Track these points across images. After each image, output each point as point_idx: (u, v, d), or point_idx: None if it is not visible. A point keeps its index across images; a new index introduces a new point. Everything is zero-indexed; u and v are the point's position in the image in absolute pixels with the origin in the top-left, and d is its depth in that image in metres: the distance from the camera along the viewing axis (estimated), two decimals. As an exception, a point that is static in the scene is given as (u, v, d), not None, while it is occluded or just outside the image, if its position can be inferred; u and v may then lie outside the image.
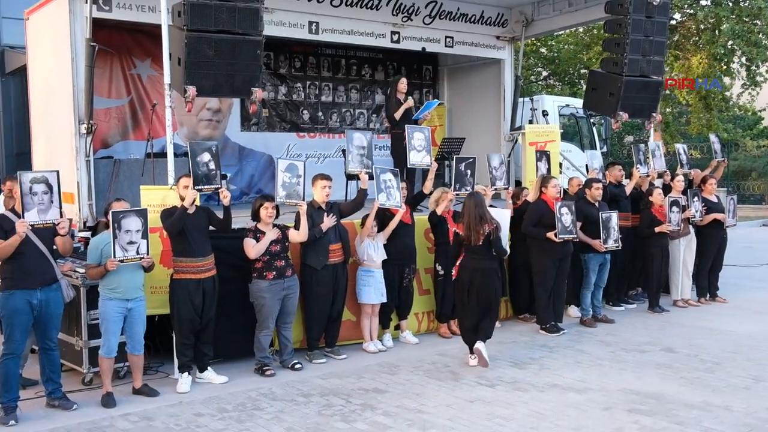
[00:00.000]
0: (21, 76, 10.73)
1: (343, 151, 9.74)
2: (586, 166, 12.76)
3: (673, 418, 5.77)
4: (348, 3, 10.84)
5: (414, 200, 8.65)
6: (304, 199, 7.23)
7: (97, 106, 9.31)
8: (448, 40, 12.07)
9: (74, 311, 6.78)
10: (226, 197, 6.81)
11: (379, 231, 7.93)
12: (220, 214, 6.90)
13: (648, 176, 10.11)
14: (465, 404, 6.17)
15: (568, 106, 15.01)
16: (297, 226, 7.28)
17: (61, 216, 5.89)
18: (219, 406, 6.22)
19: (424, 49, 11.97)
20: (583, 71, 24.99)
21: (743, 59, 21.50)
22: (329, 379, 6.95)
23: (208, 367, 6.93)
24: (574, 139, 14.97)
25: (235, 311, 7.21)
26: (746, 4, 20.15)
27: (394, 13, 11.34)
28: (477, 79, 13.48)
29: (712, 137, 11.69)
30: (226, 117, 11.98)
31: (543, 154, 9.97)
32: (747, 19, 20.60)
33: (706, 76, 21.31)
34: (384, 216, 7.97)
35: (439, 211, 8.25)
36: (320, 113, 13.06)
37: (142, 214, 6.28)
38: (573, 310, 9.40)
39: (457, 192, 8.48)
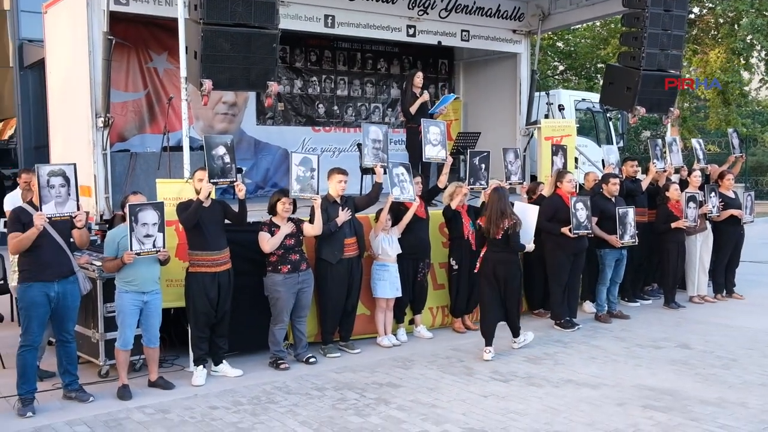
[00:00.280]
0: (39, 69, 10.80)
1: (359, 145, 9.76)
2: (603, 161, 12.72)
3: (688, 415, 5.74)
4: (364, -4, 10.84)
5: (428, 195, 8.65)
6: (318, 193, 7.24)
7: (114, 99, 9.36)
8: (464, 33, 12.03)
9: (91, 304, 6.84)
10: (241, 190, 6.83)
11: (393, 225, 7.93)
12: (235, 208, 6.92)
13: (665, 171, 10.04)
14: (479, 399, 6.17)
15: (584, 100, 14.94)
16: (312, 220, 7.29)
17: (78, 209, 5.92)
18: (234, 399, 6.25)
19: (439, 42, 11.95)
20: (600, 66, 24.85)
21: (762, 53, 21.32)
22: (343, 373, 6.96)
23: (223, 361, 6.96)
24: (590, 133, 14.90)
25: (250, 305, 7.23)
26: (766, -1, 19.95)
27: (410, 6, 11.31)
28: (493, 73, 13.43)
29: (731, 132, 11.61)
30: (241, 111, 11.99)
31: (559, 149, 9.93)
32: (767, 13, 20.39)
33: (724, 71, 21.15)
34: (398, 210, 7.97)
35: (453, 206, 8.25)
36: (336, 107, 13.06)
37: (159, 207, 6.31)
38: (588, 306, 9.37)
39: (472, 186, 8.46)
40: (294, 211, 7.23)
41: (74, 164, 5.93)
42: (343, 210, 7.44)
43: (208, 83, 7.16)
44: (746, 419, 5.65)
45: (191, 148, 7.53)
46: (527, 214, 7.79)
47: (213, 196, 6.85)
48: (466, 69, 14.22)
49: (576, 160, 11.50)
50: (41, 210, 5.73)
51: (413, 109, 9.62)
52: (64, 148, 9.25)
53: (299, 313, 7.26)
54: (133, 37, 10.57)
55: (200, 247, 6.67)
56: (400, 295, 7.93)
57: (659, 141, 10.39)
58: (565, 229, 8.31)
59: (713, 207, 9.87)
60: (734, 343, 7.85)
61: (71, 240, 6.11)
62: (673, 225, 9.44)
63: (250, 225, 7.20)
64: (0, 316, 7.81)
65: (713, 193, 9.96)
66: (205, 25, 7.06)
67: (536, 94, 12.82)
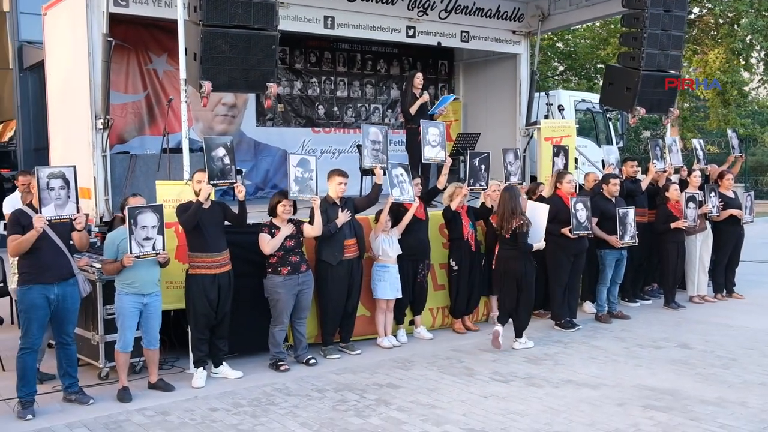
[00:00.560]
0: (39, 71, 10.79)
1: (359, 146, 9.75)
2: (603, 161, 12.71)
3: (688, 414, 5.74)
4: (363, -2, 10.84)
5: (428, 195, 8.65)
6: (317, 194, 7.24)
7: (114, 101, 9.36)
8: (463, 34, 12.03)
9: (91, 306, 6.83)
10: (241, 192, 6.83)
11: (393, 226, 7.93)
12: (235, 209, 6.92)
13: (665, 172, 10.04)
14: (479, 399, 6.17)
15: (584, 101, 14.94)
16: (311, 221, 7.29)
17: (78, 211, 5.91)
18: (234, 400, 6.25)
19: (439, 43, 11.94)
20: (599, 66, 24.86)
21: (762, 54, 21.34)
22: (343, 374, 6.96)
23: (223, 362, 6.96)
24: (590, 134, 14.90)
25: (250, 306, 7.23)
26: (765, -1, 19.97)
27: (410, 7, 11.31)
28: (493, 74, 13.43)
29: (730, 132, 11.61)
30: (241, 112, 11.99)
31: (560, 149, 9.93)
32: (767, 13, 20.41)
33: (724, 71, 21.17)
34: (398, 211, 7.97)
35: (453, 207, 8.25)
36: (335, 108, 13.06)
37: (158, 210, 6.31)
38: (588, 306, 9.37)
39: (472, 187, 8.46)
40: (294, 213, 7.23)
41: (74, 166, 5.93)
42: (342, 211, 7.44)
43: (207, 85, 7.17)
44: (746, 419, 5.64)
45: (191, 150, 7.53)
46: (537, 213, 7.87)
47: (213, 197, 6.85)
48: (466, 70, 14.22)
49: (576, 160, 11.50)
50: (41, 212, 5.73)
51: (413, 110, 9.62)
52: (64, 150, 9.25)
53: (299, 315, 7.26)
54: (132, 39, 10.57)
55: (200, 248, 6.67)
56: (400, 296, 7.93)
57: (659, 141, 10.39)
58: (565, 230, 8.31)
59: (713, 207, 9.88)
60: (734, 343, 7.85)
61: (71, 242, 6.11)
62: (673, 225, 9.45)
63: (250, 226, 7.20)
64: (0, 318, 7.81)
65: (713, 193, 9.96)
66: (205, 26, 7.07)
67: (536, 94, 12.81)
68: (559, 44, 26.46)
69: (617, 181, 9.06)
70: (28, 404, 5.92)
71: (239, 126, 11.98)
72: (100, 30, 8.27)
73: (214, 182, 6.66)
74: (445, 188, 8.49)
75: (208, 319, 6.74)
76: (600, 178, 9.43)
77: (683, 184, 10.02)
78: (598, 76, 24.91)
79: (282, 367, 7.05)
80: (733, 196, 10.28)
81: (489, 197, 8.54)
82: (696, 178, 9.98)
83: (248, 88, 7.95)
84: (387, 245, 7.83)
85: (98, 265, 6.76)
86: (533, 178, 11.52)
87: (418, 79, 9.82)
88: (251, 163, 11.88)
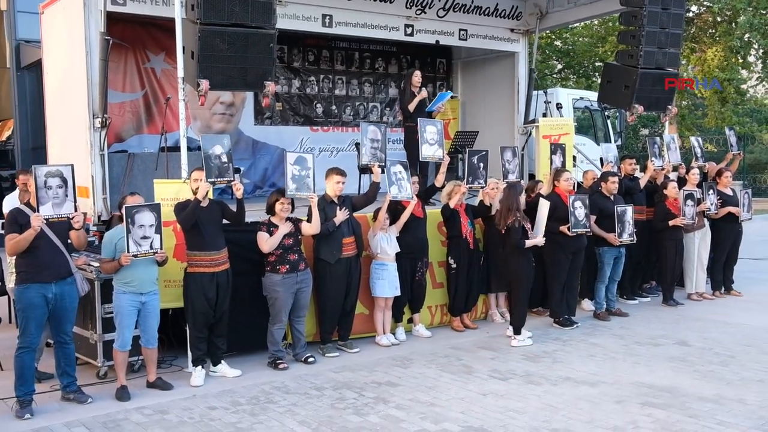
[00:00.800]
0: (36, 70, 10.78)
1: (357, 144, 9.74)
2: (601, 159, 12.72)
3: (686, 412, 5.74)
4: (361, -4, 10.83)
5: (426, 193, 8.65)
6: (314, 191, 7.23)
7: (112, 100, 9.35)
8: (462, 32, 12.02)
9: (89, 305, 6.83)
10: (239, 189, 6.82)
11: (391, 224, 7.93)
12: (233, 208, 6.92)
13: (663, 169, 10.05)
14: (478, 397, 6.17)
15: (582, 98, 14.93)
16: (309, 219, 7.29)
17: (76, 210, 5.90)
18: (232, 399, 6.25)
19: (437, 42, 11.93)
20: (597, 64, 24.87)
21: (760, 52, 21.37)
22: (342, 372, 6.96)
23: (222, 361, 6.96)
24: (588, 132, 14.90)
25: (249, 305, 7.23)
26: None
27: (408, 5, 11.30)
28: (491, 72, 13.42)
29: (728, 130, 11.61)
30: (239, 111, 11.99)
31: (558, 147, 9.93)
32: (764, 12, 20.44)
33: (722, 69, 21.19)
34: (396, 209, 7.96)
35: (452, 205, 8.25)
36: (334, 107, 13.06)
37: (156, 208, 6.31)
38: (587, 304, 9.38)
39: (470, 185, 8.46)
40: (292, 211, 7.22)
41: (71, 165, 5.93)
42: (340, 209, 7.44)
43: (205, 83, 7.15)
44: (744, 415, 5.65)
45: (189, 149, 7.53)
46: (539, 209, 7.88)
47: (211, 196, 6.85)
48: (464, 68, 14.21)
49: (574, 158, 11.50)
50: (38, 211, 5.72)
51: (412, 107, 9.62)
52: (62, 149, 9.24)
53: (298, 313, 7.26)
54: (130, 38, 10.57)
55: (198, 247, 6.67)
56: (398, 294, 7.93)
57: (657, 139, 10.39)
58: (563, 228, 8.31)
59: (711, 204, 9.88)
60: (732, 340, 7.86)
61: (69, 241, 6.10)
62: (671, 223, 9.45)
63: (248, 225, 7.20)
64: (-2, 317, 7.82)
65: (711, 191, 9.96)
66: (202, 25, 7.05)
67: (534, 92, 12.81)
68: (558, 42, 26.48)
69: (616, 179, 9.07)
70: (26, 403, 5.92)
71: (237, 124, 11.98)
72: (97, 28, 8.26)
73: (213, 180, 6.65)
74: (443, 186, 8.50)
75: (206, 318, 6.73)
76: (598, 176, 9.44)
77: (681, 182, 10.02)
78: (597, 74, 24.93)
79: (280, 366, 7.05)
80: (731, 193, 10.28)
81: (487, 195, 8.54)
82: (694, 176, 9.99)
83: (246, 86, 7.93)
84: (385, 243, 7.83)
85: (96, 264, 6.76)
86: (531, 176, 11.51)
87: (417, 77, 9.82)
88: (249, 161, 11.89)
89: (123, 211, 6.17)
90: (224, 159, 6.74)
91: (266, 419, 5.75)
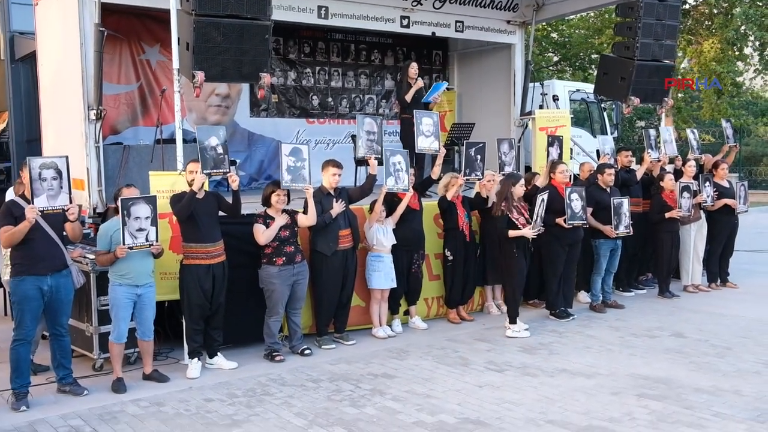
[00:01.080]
0: (31, 62, 10.70)
1: (353, 136, 9.72)
2: (597, 151, 12.70)
3: (682, 403, 5.75)
4: (357, -13, 10.78)
5: (422, 186, 8.63)
6: (309, 183, 7.21)
7: (107, 92, 9.31)
8: (458, 24, 11.98)
9: (84, 297, 6.81)
10: (234, 181, 6.80)
11: (387, 216, 7.92)
12: (229, 200, 6.90)
13: (659, 161, 10.05)
14: (474, 389, 6.18)
15: (578, 91, 14.91)
16: (305, 211, 7.27)
17: (71, 202, 5.89)
18: (229, 391, 6.24)
19: (434, 33, 11.88)
20: (594, 56, 24.86)
21: (756, 44, 21.37)
22: (338, 364, 6.96)
23: (218, 353, 6.95)
24: (584, 124, 14.88)
25: (245, 297, 7.22)
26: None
27: (404, -3, 11.27)
28: (487, 64, 13.39)
29: (724, 122, 11.61)
30: (235, 103, 11.95)
31: (555, 139, 9.92)
32: (761, 3, 20.43)
33: (718, 62, 21.18)
34: (392, 201, 7.95)
35: (449, 197, 8.24)
36: (330, 99, 13.02)
37: (152, 201, 6.29)
38: (583, 296, 9.39)
39: (467, 177, 8.45)
40: (288, 203, 7.21)
41: (66, 157, 5.90)
42: (337, 202, 7.43)
43: (200, 75, 7.12)
44: (740, 407, 5.66)
45: (184, 141, 7.50)
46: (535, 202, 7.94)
47: (207, 187, 6.82)
48: (461, 60, 14.18)
49: (571, 150, 11.49)
50: (33, 203, 5.70)
51: (408, 98, 9.60)
52: (57, 141, 9.20)
53: (294, 305, 7.25)
54: (125, 29, 10.52)
55: (194, 239, 6.65)
56: (394, 285, 7.92)
57: (653, 131, 10.39)
58: (559, 220, 8.31)
59: (707, 197, 9.89)
60: (728, 332, 7.87)
61: (64, 233, 6.08)
62: (668, 215, 9.45)
63: (244, 217, 7.18)
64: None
65: (707, 183, 9.97)
66: (197, 16, 7.02)
67: (530, 84, 12.79)
68: (554, 35, 26.44)
69: (612, 171, 9.07)
70: (22, 396, 5.91)
71: (233, 116, 11.94)
72: (92, 20, 8.21)
73: (208, 171, 6.63)
74: (439, 178, 8.48)
75: (202, 310, 6.72)
76: (595, 168, 9.43)
77: (678, 174, 10.02)
78: (593, 66, 24.90)
79: (277, 358, 7.05)
80: (727, 185, 10.29)
81: (484, 187, 8.53)
82: (690, 168, 9.98)
83: (241, 78, 7.90)
84: (381, 235, 7.82)
85: (92, 257, 6.74)
86: (528, 168, 11.50)
87: (413, 69, 9.79)
88: (245, 153, 11.85)
89: (119, 203, 6.15)
90: (220, 150, 6.72)
91: (262, 411, 5.75)
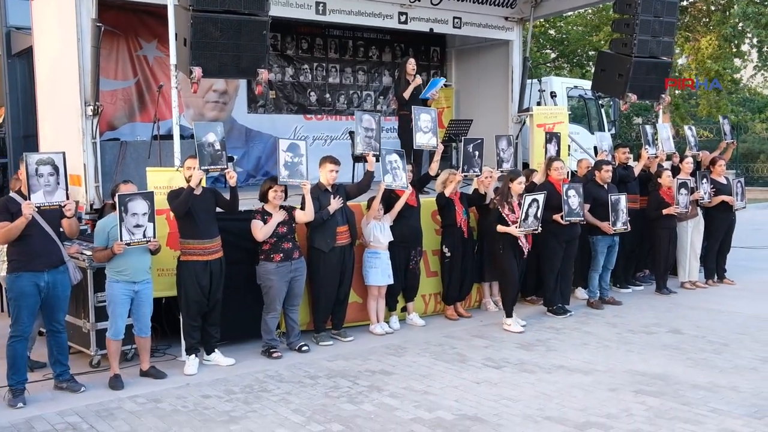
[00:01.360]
0: (27, 57, 10.68)
1: (351, 133, 9.71)
2: (595, 147, 12.72)
3: (679, 399, 5.76)
4: (355, -17, 10.76)
5: (420, 182, 8.63)
6: (307, 179, 7.20)
7: (104, 87, 9.27)
8: (456, 21, 11.96)
9: (81, 293, 6.80)
10: (232, 177, 6.79)
11: (385, 213, 7.91)
12: (227, 196, 6.89)
13: (656, 157, 10.06)
14: (472, 386, 6.18)
15: (576, 87, 14.91)
16: (303, 207, 7.26)
17: (68, 198, 5.87)
18: (226, 388, 6.24)
19: (431, 30, 11.86)
20: (592, 53, 24.85)
21: (754, 41, 21.37)
22: (336, 361, 6.96)
23: (216, 350, 6.95)
24: (582, 120, 14.88)
25: (242, 293, 7.22)
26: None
27: (402, -7, 11.25)
28: (485, 60, 13.38)
29: (722, 119, 11.62)
30: (232, 99, 11.92)
31: (553, 136, 9.92)
32: (758, 0, 20.42)
33: (716, 59, 21.17)
34: (390, 198, 7.95)
35: (447, 193, 8.23)
36: (327, 95, 13.01)
37: (149, 197, 6.27)
38: (580, 292, 9.39)
39: (465, 173, 8.44)
40: (285, 199, 7.20)
41: (63, 153, 5.88)
42: (334, 198, 7.42)
43: (198, 71, 7.10)
44: (737, 403, 5.67)
45: (182, 137, 7.48)
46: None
47: (204, 184, 6.81)
48: (458, 56, 14.17)
49: (568, 147, 11.49)
50: (30, 199, 5.68)
51: (407, 94, 9.59)
52: (53, 137, 9.18)
53: (292, 302, 7.25)
54: (122, 25, 10.48)
55: (192, 235, 6.64)
56: (392, 282, 7.92)
57: (650, 127, 10.39)
58: (556, 216, 8.31)
59: (705, 193, 9.89)
60: (725, 328, 7.88)
61: (61, 229, 6.07)
62: (665, 211, 9.46)
63: (242, 213, 7.17)
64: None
65: (705, 180, 9.97)
66: (195, 11, 7.00)
67: (528, 81, 12.78)
68: (552, 31, 26.41)
69: (609, 167, 9.07)
70: (18, 392, 5.90)
71: (230, 113, 11.91)
72: (89, 15, 8.19)
73: (205, 167, 6.62)
74: (437, 175, 8.48)
75: (200, 306, 6.72)
76: (592, 165, 9.43)
77: (675, 171, 10.03)
78: (591, 63, 24.89)
79: (274, 354, 7.04)
80: (725, 182, 10.31)
81: (482, 184, 8.53)
82: (688, 165, 9.99)
83: (239, 74, 7.88)
84: (378, 232, 7.82)
85: (89, 253, 6.72)
86: (525, 165, 11.51)
87: (411, 65, 9.78)
88: (242, 150, 11.83)
89: (116, 199, 6.13)
90: (217, 147, 6.71)
91: (260, 408, 5.75)
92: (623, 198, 8.89)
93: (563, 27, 26.22)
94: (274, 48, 11.90)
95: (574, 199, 8.37)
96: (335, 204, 7.39)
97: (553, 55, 27.40)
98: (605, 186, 8.95)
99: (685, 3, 21.96)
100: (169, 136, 8.31)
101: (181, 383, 6.37)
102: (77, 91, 8.27)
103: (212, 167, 6.68)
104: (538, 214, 7.90)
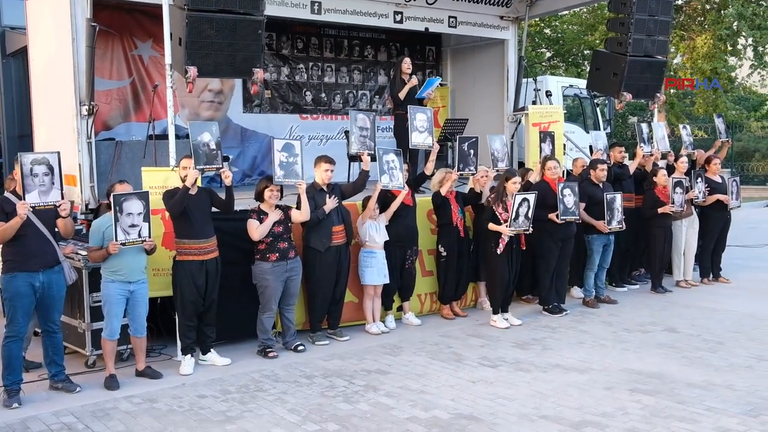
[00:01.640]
0: (22, 57, 10.67)
1: (346, 132, 9.72)
2: (590, 146, 12.72)
3: (675, 398, 5.77)
4: (350, -18, 10.76)
5: (415, 182, 8.63)
6: (302, 178, 7.19)
7: (99, 87, 9.26)
8: (451, 20, 11.96)
9: (77, 294, 6.79)
10: (228, 177, 6.78)
11: (380, 212, 7.91)
12: (222, 196, 6.88)
13: (651, 155, 10.07)
14: (468, 385, 6.18)
15: (571, 86, 14.92)
16: (299, 206, 7.26)
17: (63, 198, 5.86)
18: (222, 387, 6.23)
19: (427, 29, 11.86)
20: (587, 52, 24.87)
21: (749, 40, 21.41)
22: (332, 360, 6.96)
23: (211, 349, 6.94)
24: (577, 119, 14.91)
25: (238, 293, 7.21)
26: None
27: (397, -8, 11.25)
28: (480, 59, 13.38)
29: (717, 118, 11.64)
30: (228, 98, 11.91)
31: (547, 135, 9.92)
32: (752, 1, 20.47)
33: (710, 58, 21.21)
34: (385, 197, 7.95)
35: (443, 192, 8.23)
36: (323, 94, 13.00)
37: (144, 197, 6.27)
38: (576, 291, 9.40)
39: (461, 172, 8.44)
40: (280, 198, 7.20)
41: (58, 152, 5.87)
42: (330, 198, 7.41)
43: (193, 70, 7.09)
44: (732, 401, 5.68)
45: (177, 137, 7.48)
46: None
47: (199, 183, 6.81)
48: (454, 55, 14.17)
49: (564, 146, 11.50)
50: (24, 199, 5.67)
51: (402, 95, 9.59)
52: (48, 137, 9.16)
53: (287, 301, 7.25)
54: (117, 25, 10.46)
55: (187, 235, 6.64)
56: (387, 281, 7.92)
57: (645, 125, 10.40)
58: (552, 215, 8.32)
59: (700, 192, 9.91)
60: (720, 327, 7.90)
61: (56, 229, 6.06)
62: (660, 210, 9.47)
63: (237, 213, 7.17)
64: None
65: (699, 179, 9.99)
66: (190, 11, 6.99)
67: (524, 80, 12.79)
68: (547, 30, 26.43)
69: (605, 166, 9.08)
70: (14, 393, 5.89)
71: (226, 112, 11.90)
72: (83, 15, 8.17)
73: (201, 167, 6.61)
74: (432, 174, 8.48)
75: (195, 306, 6.71)
76: (587, 164, 9.44)
77: (670, 170, 10.04)
78: (586, 62, 24.92)
79: (270, 354, 7.04)
80: (720, 181, 10.32)
81: (478, 183, 8.54)
82: (683, 164, 10.01)
83: (234, 73, 7.87)
84: (374, 231, 7.82)
85: (84, 253, 6.71)
86: (521, 164, 11.51)
87: (406, 64, 9.78)
88: (238, 149, 11.82)
89: (111, 199, 6.12)
90: (212, 146, 6.70)
91: (256, 407, 5.74)
92: (618, 197, 8.90)
93: (558, 26, 26.25)
94: (269, 47, 11.89)
95: (569, 198, 8.38)
96: (331, 203, 7.39)
97: (548, 54, 27.41)
98: (600, 185, 8.96)
99: (680, 2, 21.99)
100: (164, 136, 8.30)
101: (176, 383, 6.37)
102: (72, 91, 8.26)
103: (207, 167, 6.68)
104: (529, 214, 7.90)
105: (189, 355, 6.75)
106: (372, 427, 5.32)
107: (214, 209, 6.87)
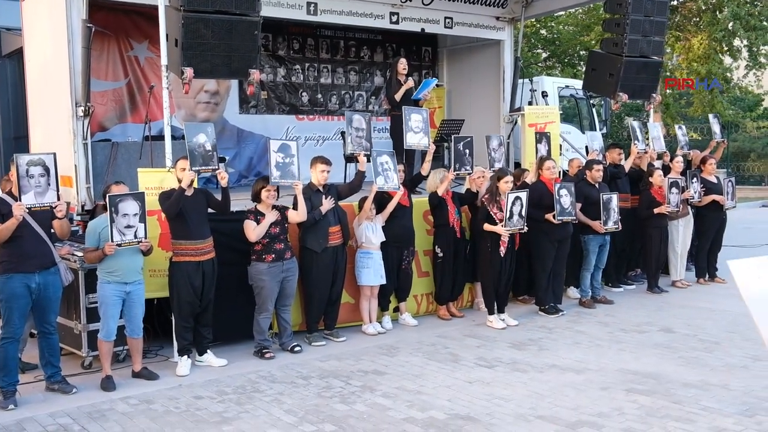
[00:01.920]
0: (17, 58, 10.65)
1: (342, 133, 9.71)
2: (586, 147, 12.74)
3: (671, 398, 5.78)
4: (346, -17, 10.76)
5: (411, 182, 8.63)
6: (299, 179, 7.19)
7: (95, 88, 9.25)
8: (447, 20, 11.97)
9: (73, 295, 6.78)
10: (224, 178, 6.78)
11: (377, 213, 7.92)
12: (218, 197, 6.88)
13: (646, 153, 10.09)
14: (464, 385, 6.19)
15: (567, 87, 14.93)
16: (295, 207, 7.26)
17: (59, 199, 5.85)
18: (218, 388, 6.23)
19: (423, 30, 11.87)
20: (583, 53, 24.88)
21: (744, 41, 21.44)
22: (328, 361, 6.96)
23: (208, 350, 6.94)
24: (573, 120, 14.92)
25: (234, 294, 7.21)
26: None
27: (393, -7, 11.25)
28: (476, 60, 13.39)
29: (712, 117, 11.66)
30: (224, 99, 11.90)
31: (543, 136, 9.94)
32: (747, 2, 20.51)
33: (706, 58, 21.24)
34: (382, 198, 7.95)
35: (439, 192, 8.24)
36: (319, 95, 13.00)
37: (140, 197, 6.26)
38: (572, 291, 9.42)
39: (457, 172, 8.45)
40: (277, 198, 7.19)
41: (54, 153, 5.86)
42: (326, 198, 7.42)
43: (189, 71, 7.09)
44: (728, 401, 5.69)
45: (173, 138, 7.46)
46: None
47: (196, 185, 6.80)
48: (450, 56, 14.17)
49: (560, 146, 11.52)
50: (20, 200, 5.67)
51: (398, 96, 9.59)
52: (44, 138, 9.15)
53: (284, 302, 7.24)
54: (113, 26, 10.45)
55: (183, 236, 6.63)
56: (384, 282, 7.92)
57: (638, 123, 10.42)
58: (548, 216, 8.33)
59: (695, 192, 9.93)
60: (716, 327, 7.92)
61: (52, 231, 6.05)
62: (656, 210, 9.49)
63: (233, 214, 7.17)
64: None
65: (695, 179, 10.01)
66: (186, 12, 6.99)
67: (520, 81, 12.80)
68: (543, 31, 26.44)
69: (600, 167, 9.10)
70: (9, 394, 5.88)
71: (222, 113, 11.90)
72: (79, 16, 8.16)
73: (197, 168, 6.61)
74: (428, 175, 8.48)
75: (192, 307, 6.71)
76: (583, 164, 9.46)
77: (666, 170, 10.06)
78: (582, 62, 24.92)
79: (267, 355, 7.04)
80: (715, 181, 10.34)
81: (474, 183, 8.55)
82: (678, 164, 10.03)
83: (230, 74, 7.88)
84: (370, 232, 7.82)
85: (80, 254, 6.71)
86: (517, 165, 11.52)
87: (402, 65, 9.78)
88: (234, 150, 11.81)
89: (107, 200, 6.12)
90: (208, 147, 6.70)
91: (252, 408, 5.74)
92: (614, 197, 8.91)
93: (554, 27, 26.26)
94: (265, 48, 11.89)
95: (566, 198, 8.39)
96: (327, 204, 7.39)
97: (544, 55, 27.42)
98: (596, 185, 8.98)
99: (675, 2, 22.02)
100: (160, 137, 8.29)
101: (173, 384, 6.36)
102: (68, 92, 8.24)
103: (203, 168, 6.68)
104: (523, 212, 7.92)
105: (185, 356, 6.74)
106: (369, 427, 5.32)
107: (210, 210, 6.86)
